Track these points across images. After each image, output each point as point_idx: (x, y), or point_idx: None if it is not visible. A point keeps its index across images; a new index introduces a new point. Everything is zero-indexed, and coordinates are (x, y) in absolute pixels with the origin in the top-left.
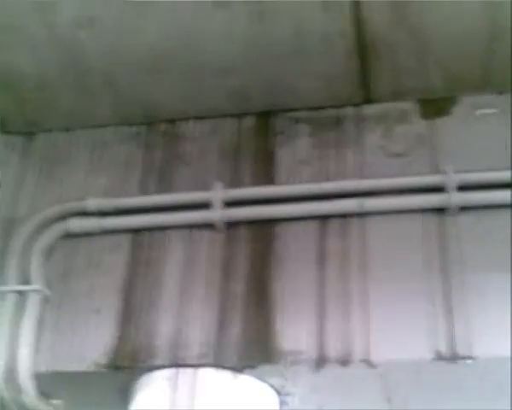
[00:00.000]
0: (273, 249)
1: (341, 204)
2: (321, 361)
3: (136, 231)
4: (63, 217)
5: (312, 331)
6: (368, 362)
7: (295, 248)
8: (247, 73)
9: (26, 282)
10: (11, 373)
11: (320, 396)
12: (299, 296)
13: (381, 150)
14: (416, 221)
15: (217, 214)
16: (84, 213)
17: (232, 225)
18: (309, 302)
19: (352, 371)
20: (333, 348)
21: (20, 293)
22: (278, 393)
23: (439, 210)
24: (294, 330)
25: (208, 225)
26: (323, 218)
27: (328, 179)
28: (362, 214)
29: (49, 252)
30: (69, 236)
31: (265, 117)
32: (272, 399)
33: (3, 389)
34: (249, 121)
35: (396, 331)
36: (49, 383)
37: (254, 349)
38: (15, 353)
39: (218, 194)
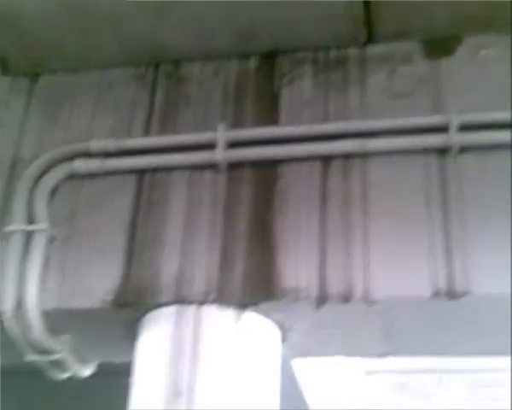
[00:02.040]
0: (276, 190)
1: (343, 145)
2: (322, 299)
3: (140, 172)
4: (68, 158)
5: (314, 269)
6: (368, 299)
7: (298, 188)
8: (252, 12)
9: (32, 222)
10: (19, 311)
11: (322, 332)
12: (301, 235)
13: (384, 91)
14: (418, 162)
15: (220, 155)
16: (89, 155)
17: (235, 165)
18: (311, 241)
19: (353, 308)
20: (334, 286)
21: (26, 233)
22: (281, 329)
23: (441, 150)
24: (296, 268)
25: (212, 166)
26: (326, 158)
27: (330, 120)
28: (364, 155)
29: (54, 193)
30: (74, 177)
31: (270, 58)
32: (275, 334)
33: (13, 326)
34: (254, 62)
35: (396, 269)
36: (56, 320)
37: (257, 287)
38: (23, 291)
39: (221, 135)
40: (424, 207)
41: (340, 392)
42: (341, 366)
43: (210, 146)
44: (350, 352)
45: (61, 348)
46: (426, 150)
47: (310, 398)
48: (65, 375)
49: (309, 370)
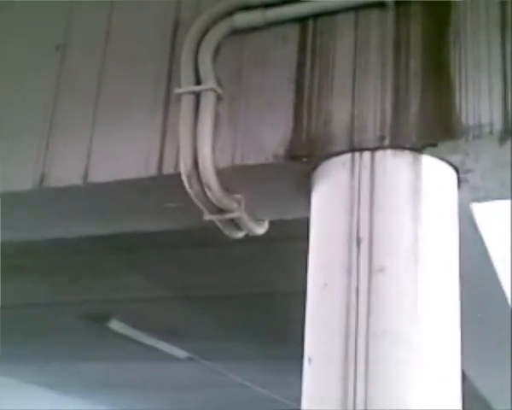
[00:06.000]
0: (449, 21)
1: None
2: (506, 133)
3: (302, 19)
4: (228, 13)
5: (496, 102)
6: None
7: (475, 17)
8: None
9: (199, 82)
10: (195, 171)
11: (503, 171)
12: (481, 68)
13: None
14: None
15: None
16: (249, 7)
17: (403, 1)
18: (492, 73)
19: None
20: None
21: (194, 94)
22: (458, 171)
23: None
24: (477, 103)
25: (378, 4)
26: None
27: None
28: None
29: (218, 51)
30: (235, 32)
31: None
32: (453, 178)
33: (192, 185)
34: None
35: None
36: (230, 179)
37: (434, 127)
38: (198, 151)
39: None
40: None
41: None
42: None
43: None
44: None
45: (236, 206)
46: None
47: (490, 243)
48: (240, 234)
49: (489, 214)
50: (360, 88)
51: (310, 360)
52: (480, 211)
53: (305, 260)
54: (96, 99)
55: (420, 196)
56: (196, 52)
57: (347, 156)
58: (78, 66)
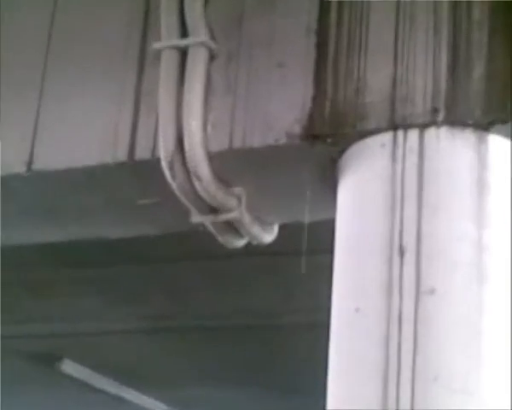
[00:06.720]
0: None
1: None
2: None
3: None
4: None
5: None
6: None
7: None
8: None
9: (185, 35)
10: (179, 155)
11: None
12: None
13: None
14: None
15: None
16: None
17: None
18: None
19: None
20: None
21: (179, 49)
22: None
23: None
24: None
25: None
26: None
27: None
28: None
29: None
30: None
31: None
32: None
33: (170, 175)
34: None
35: None
36: (226, 166)
37: (505, 97)
38: (182, 128)
39: None
40: None
41: None
42: None
43: None
44: None
45: (234, 204)
46: None
47: None
48: (241, 242)
49: None
50: (405, 43)
51: None
52: None
53: (328, 278)
54: (45, 59)
55: (486, 190)
56: None
57: (387, 136)
58: (22, 16)
